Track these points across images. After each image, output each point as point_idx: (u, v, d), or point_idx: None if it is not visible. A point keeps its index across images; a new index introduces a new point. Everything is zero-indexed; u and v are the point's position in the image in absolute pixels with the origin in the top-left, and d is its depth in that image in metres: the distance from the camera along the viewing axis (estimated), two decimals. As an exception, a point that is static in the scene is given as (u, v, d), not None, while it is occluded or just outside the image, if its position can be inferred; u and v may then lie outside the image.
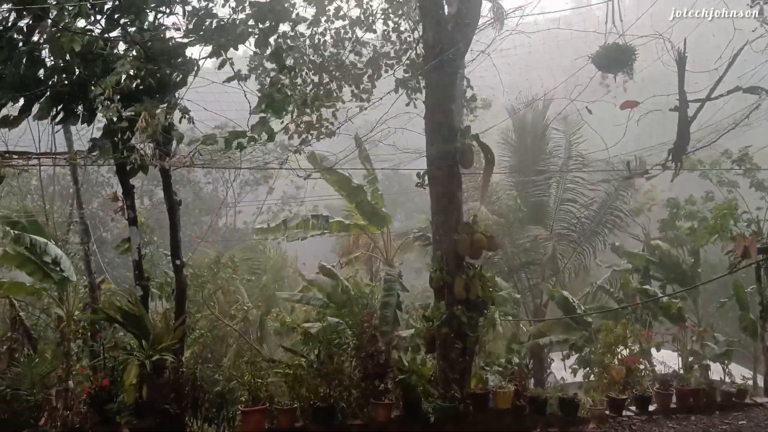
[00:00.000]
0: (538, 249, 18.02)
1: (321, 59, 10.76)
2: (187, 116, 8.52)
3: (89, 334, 10.69)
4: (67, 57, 8.30)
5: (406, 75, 11.28)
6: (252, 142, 8.91)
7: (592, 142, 17.82)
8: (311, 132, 10.12)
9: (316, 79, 10.71)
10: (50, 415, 9.01)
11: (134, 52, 8.31)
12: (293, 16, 9.01)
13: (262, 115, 9.02)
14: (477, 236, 9.54)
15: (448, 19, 10.01)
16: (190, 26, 8.57)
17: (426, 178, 10.34)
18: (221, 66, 8.43)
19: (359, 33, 10.99)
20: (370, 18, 11.04)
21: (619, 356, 10.73)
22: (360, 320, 9.89)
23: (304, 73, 10.50)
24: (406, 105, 11.06)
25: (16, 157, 8.66)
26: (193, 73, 8.89)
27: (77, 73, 8.44)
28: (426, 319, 9.91)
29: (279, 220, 18.57)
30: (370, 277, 17.76)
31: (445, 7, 10.14)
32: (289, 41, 9.44)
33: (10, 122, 8.62)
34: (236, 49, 8.71)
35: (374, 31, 11.34)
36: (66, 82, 8.39)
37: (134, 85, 8.02)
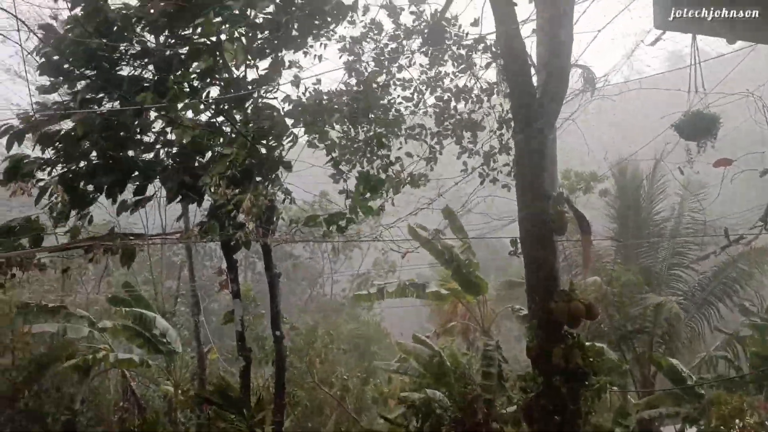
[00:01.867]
0: (646, 316, 17.22)
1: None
2: (289, 197, 9.01)
3: (197, 404, 11.12)
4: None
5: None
6: (351, 224, 9.26)
7: (685, 204, 17.29)
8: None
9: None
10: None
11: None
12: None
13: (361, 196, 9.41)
14: (574, 304, 9.29)
15: (536, 89, 10.11)
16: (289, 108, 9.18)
17: (519, 245, 10.27)
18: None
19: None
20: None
21: (736, 429, 10.02)
22: (459, 391, 9.77)
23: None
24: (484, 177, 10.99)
25: (132, 238, 9.37)
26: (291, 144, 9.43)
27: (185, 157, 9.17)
28: (523, 390, 9.66)
29: (375, 288, 18.83)
30: (467, 347, 17.53)
31: (533, 75, 10.26)
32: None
33: (130, 206, 9.39)
34: (332, 127, 9.20)
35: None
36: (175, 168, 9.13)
37: (238, 169, 8.57)
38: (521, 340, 27.46)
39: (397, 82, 10.55)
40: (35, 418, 12.30)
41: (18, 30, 7.65)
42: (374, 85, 9.59)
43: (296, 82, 8.92)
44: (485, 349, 13.63)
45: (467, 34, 10.83)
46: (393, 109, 10.27)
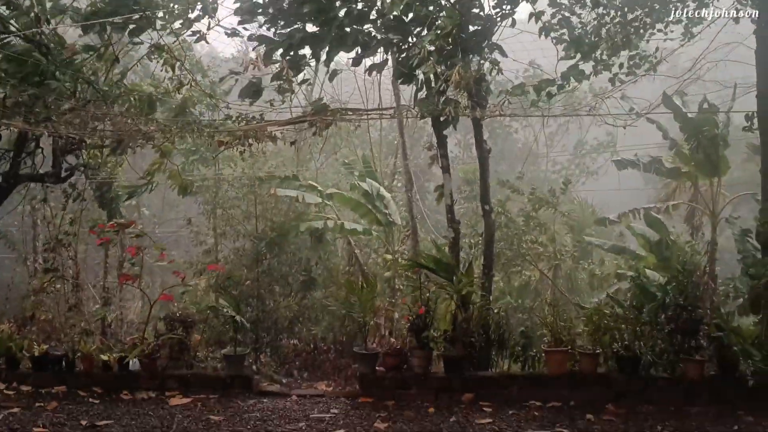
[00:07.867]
0: None
1: None
2: (497, 68, 8.88)
3: (410, 268, 11.87)
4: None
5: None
6: (561, 90, 8.97)
7: None
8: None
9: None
10: (376, 337, 10.43)
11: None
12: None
13: (572, 61, 9.04)
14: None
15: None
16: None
17: (756, 120, 9.30)
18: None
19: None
20: None
21: None
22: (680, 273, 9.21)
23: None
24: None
25: (351, 113, 9.97)
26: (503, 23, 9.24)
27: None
28: (750, 276, 9.04)
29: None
30: (690, 232, 16.39)
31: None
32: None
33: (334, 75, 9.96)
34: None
35: None
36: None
37: (448, 42, 8.58)
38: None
39: None
40: (277, 277, 14.05)
41: None
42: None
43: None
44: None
45: None
46: None
